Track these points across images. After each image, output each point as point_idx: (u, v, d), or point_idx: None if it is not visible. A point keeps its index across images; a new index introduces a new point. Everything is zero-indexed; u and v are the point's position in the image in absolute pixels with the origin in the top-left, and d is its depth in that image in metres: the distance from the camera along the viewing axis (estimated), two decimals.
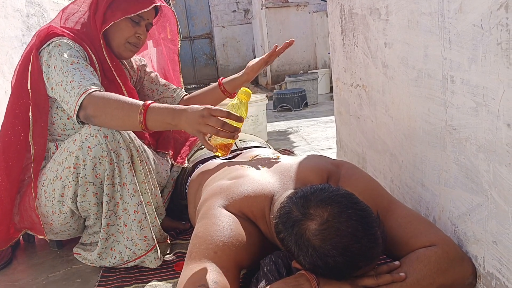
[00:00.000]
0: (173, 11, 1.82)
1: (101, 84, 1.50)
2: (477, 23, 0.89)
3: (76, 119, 1.40)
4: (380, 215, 1.02)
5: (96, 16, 1.60)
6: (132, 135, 1.49)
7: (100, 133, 1.38)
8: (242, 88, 1.40)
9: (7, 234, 1.61)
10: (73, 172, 1.41)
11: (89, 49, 1.57)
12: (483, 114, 0.91)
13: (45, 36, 1.54)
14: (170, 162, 1.84)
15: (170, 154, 1.85)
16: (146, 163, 1.52)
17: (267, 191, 1.20)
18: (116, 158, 1.40)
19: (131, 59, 1.85)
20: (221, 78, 1.86)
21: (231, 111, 1.26)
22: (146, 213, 1.44)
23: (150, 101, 1.36)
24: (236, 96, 1.39)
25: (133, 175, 1.43)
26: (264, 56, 1.74)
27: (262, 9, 7.54)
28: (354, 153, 1.92)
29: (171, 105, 1.34)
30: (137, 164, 1.46)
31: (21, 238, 1.82)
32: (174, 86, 1.95)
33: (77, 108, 1.38)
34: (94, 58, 1.58)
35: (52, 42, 1.51)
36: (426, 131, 1.19)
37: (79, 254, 1.54)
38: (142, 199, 1.44)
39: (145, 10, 1.61)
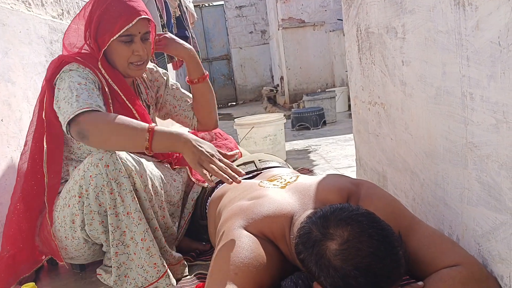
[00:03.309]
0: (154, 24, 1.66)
1: (112, 108, 1.53)
2: (495, 40, 0.89)
3: (66, 129, 1.40)
4: (402, 235, 1.01)
5: (93, 44, 1.59)
6: (136, 158, 1.49)
7: (101, 162, 1.37)
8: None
9: (30, 262, 1.63)
10: (79, 201, 1.42)
11: (98, 73, 1.57)
12: (503, 131, 0.90)
13: (56, 68, 1.55)
14: (184, 177, 1.83)
15: (187, 169, 1.85)
16: (152, 186, 1.52)
17: (287, 211, 1.19)
18: (118, 188, 1.39)
19: (148, 71, 1.84)
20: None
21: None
22: (153, 240, 1.43)
23: (153, 125, 1.39)
24: None
25: (137, 203, 1.41)
26: None
27: (278, 29, 7.62)
28: (374, 172, 1.91)
29: (178, 131, 1.38)
30: (140, 192, 1.45)
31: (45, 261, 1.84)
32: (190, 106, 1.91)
33: (71, 116, 1.36)
34: (104, 82, 1.58)
35: (63, 70, 1.52)
36: (447, 149, 1.18)
37: (101, 274, 1.55)
38: (148, 226, 1.43)
39: (129, 26, 1.51)
